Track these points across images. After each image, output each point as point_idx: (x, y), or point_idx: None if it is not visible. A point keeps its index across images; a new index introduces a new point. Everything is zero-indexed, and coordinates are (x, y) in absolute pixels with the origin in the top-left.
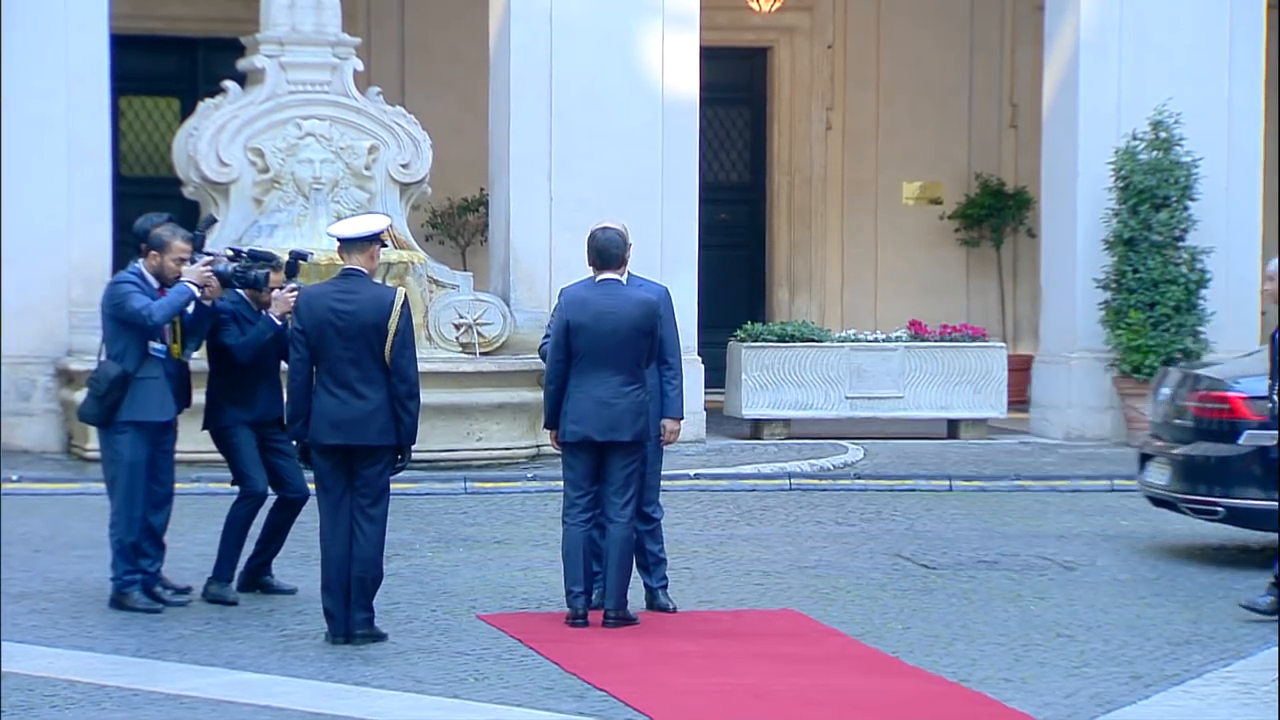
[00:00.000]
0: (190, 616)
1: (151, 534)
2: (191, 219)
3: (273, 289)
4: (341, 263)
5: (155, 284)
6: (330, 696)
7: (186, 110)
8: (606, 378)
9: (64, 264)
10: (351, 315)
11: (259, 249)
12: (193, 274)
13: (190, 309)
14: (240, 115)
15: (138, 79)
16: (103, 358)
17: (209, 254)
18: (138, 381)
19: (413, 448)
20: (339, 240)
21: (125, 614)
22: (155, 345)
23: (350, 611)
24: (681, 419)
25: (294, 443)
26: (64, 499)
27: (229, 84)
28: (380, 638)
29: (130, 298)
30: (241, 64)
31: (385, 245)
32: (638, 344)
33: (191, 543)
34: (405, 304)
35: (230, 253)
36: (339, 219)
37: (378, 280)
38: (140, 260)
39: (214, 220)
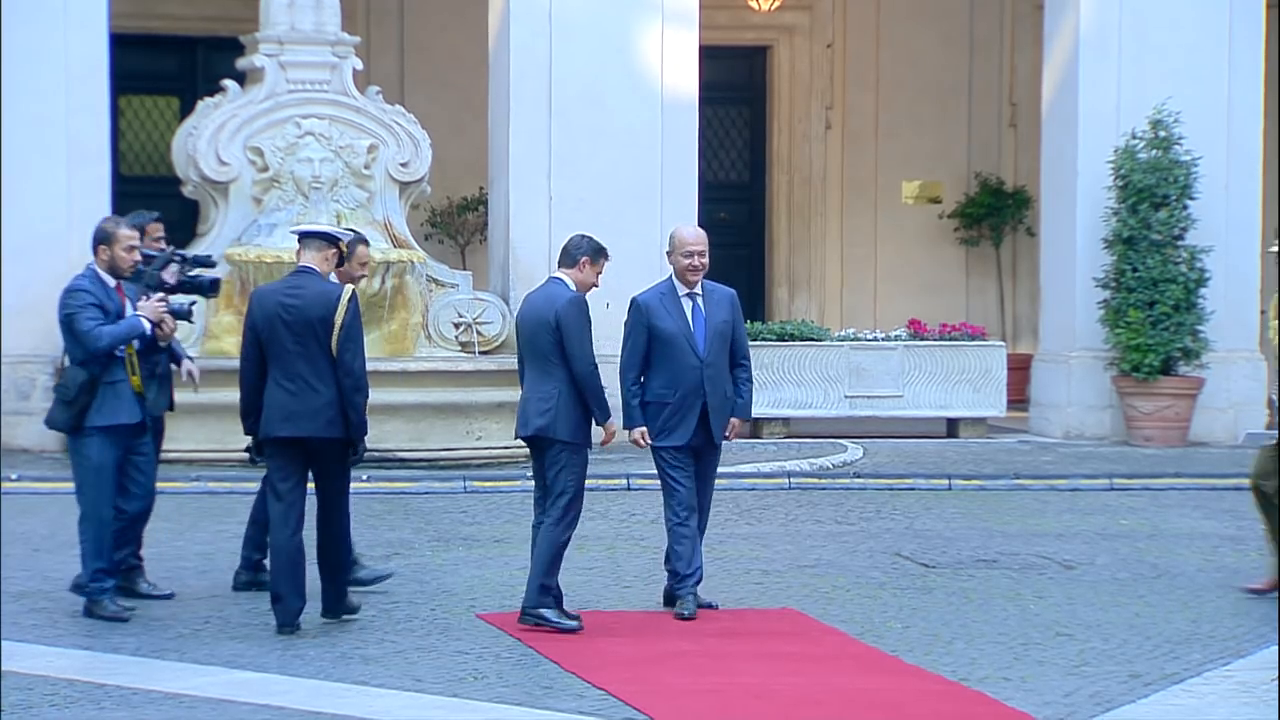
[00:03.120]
0: (190, 616)
1: (131, 528)
2: (192, 219)
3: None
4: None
5: (111, 281)
6: (330, 695)
7: (186, 109)
8: (530, 374)
9: (64, 264)
10: (298, 310)
11: (200, 254)
12: (148, 309)
13: (139, 343)
14: (239, 114)
15: (137, 78)
16: (67, 363)
17: (155, 254)
18: (105, 386)
19: (365, 439)
20: (298, 237)
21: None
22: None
23: (323, 588)
24: (747, 419)
25: (248, 437)
26: (64, 498)
27: (228, 83)
28: (354, 609)
29: (78, 317)
30: (241, 63)
31: (343, 256)
32: (543, 339)
33: (191, 542)
34: (353, 300)
35: (178, 257)
36: (339, 219)
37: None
38: (93, 260)
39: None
